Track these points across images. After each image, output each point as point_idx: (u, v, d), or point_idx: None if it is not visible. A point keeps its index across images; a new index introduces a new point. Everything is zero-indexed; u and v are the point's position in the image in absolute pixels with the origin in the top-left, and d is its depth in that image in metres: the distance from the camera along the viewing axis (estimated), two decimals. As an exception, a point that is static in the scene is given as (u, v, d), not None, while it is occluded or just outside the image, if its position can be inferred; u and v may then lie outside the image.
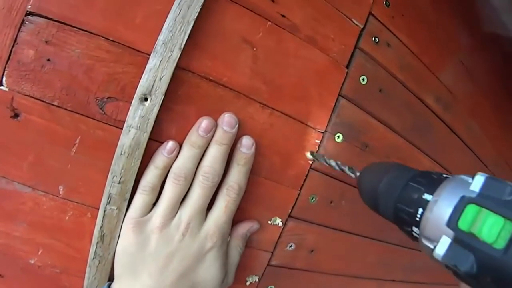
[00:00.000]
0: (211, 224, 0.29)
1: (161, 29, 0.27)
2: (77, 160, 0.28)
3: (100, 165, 0.28)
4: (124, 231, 0.28)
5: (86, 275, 0.29)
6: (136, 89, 0.27)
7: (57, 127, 0.27)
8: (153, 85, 0.27)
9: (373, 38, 0.38)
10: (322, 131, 0.36)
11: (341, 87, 0.36)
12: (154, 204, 0.29)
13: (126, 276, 0.28)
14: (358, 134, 0.38)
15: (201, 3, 0.27)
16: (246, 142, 0.31)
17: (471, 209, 0.18)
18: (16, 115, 0.26)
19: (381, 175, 0.26)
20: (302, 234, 0.38)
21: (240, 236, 0.32)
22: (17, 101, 0.26)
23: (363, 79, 0.37)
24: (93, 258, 0.28)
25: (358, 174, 0.29)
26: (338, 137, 0.36)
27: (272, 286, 0.38)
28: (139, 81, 0.27)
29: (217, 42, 0.30)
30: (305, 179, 0.36)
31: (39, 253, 0.29)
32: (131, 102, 0.27)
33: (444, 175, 0.22)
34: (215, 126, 0.29)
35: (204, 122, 0.29)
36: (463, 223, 0.18)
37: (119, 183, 0.27)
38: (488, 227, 0.17)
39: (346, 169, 0.31)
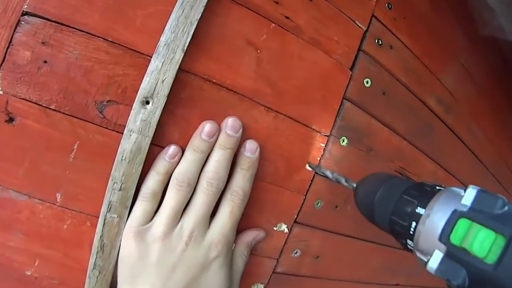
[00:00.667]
0: (216, 232, 0.28)
1: (163, 30, 0.26)
2: (75, 166, 0.26)
3: (100, 172, 0.27)
4: (124, 241, 0.27)
5: (86, 286, 0.27)
6: (137, 92, 0.26)
7: (54, 132, 0.26)
8: (155, 88, 0.26)
9: (376, 40, 0.37)
10: (327, 134, 0.35)
11: (346, 90, 0.35)
12: (156, 212, 0.28)
13: (128, 286, 0.27)
14: (363, 137, 0.38)
15: (204, 3, 0.26)
16: (250, 146, 0.30)
17: (462, 223, 0.18)
18: (11, 120, 0.25)
19: (376, 188, 0.26)
20: (307, 240, 0.37)
21: (245, 244, 0.31)
22: (12, 104, 0.25)
23: (367, 82, 0.37)
24: (93, 268, 0.27)
25: (354, 185, 0.29)
26: (343, 140, 0.36)
27: (277, 294, 0.37)
28: (140, 83, 0.26)
29: (220, 44, 0.29)
30: (310, 184, 0.35)
31: (36, 264, 0.28)
32: (132, 106, 0.26)
33: (437, 187, 0.22)
34: (219, 130, 0.28)
35: (207, 126, 0.28)
36: (455, 238, 0.18)
37: (120, 190, 0.26)
38: (480, 242, 0.17)
39: (342, 180, 0.31)
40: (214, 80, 0.29)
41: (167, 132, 0.28)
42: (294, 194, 0.34)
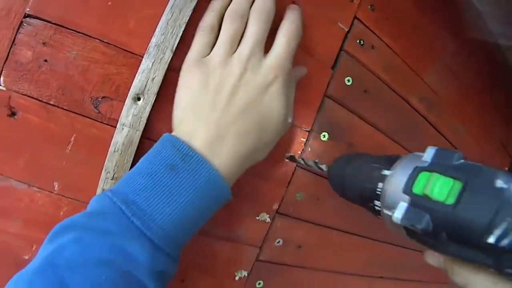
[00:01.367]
0: (273, 58, 0.29)
1: (154, 32, 0.28)
2: (72, 157, 0.29)
3: (94, 162, 0.29)
4: (185, 70, 0.29)
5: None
6: (129, 89, 0.28)
7: (53, 126, 0.28)
8: (145, 86, 0.28)
9: (358, 41, 0.39)
10: (308, 129, 0.37)
11: (327, 88, 0.37)
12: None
13: (189, 115, 0.28)
14: (344, 133, 0.40)
15: (192, 7, 0.28)
16: None
17: (423, 176, 0.20)
18: (13, 114, 0.27)
19: (347, 162, 0.28)
20: (289, 230, 0.39)
21: (293, 77, 0.33)
22: (14, 100, 0.27)
23: (348, 80, 0.39)
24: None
25: (326, 167, 0.31)
26: (324, 136, 0.38)
27: (261, 282, 0.39)
28: (133, 81, 0.28)
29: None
30: (291, 176, 0.37)
31: (33, 248, 0.30)
32: (124, 102, 0.28)
33: (402, 155, 0.24)
34: None
35: None
36: (417, 188, 0.20)
37: (112, 179, 0.28)
38: (439, 188, 0.19)
39: (314, 165, 0.33)
40: (201, 79, 0.31)
41: (157, 126, 0.30)
42: (276, 186, 0.37)
